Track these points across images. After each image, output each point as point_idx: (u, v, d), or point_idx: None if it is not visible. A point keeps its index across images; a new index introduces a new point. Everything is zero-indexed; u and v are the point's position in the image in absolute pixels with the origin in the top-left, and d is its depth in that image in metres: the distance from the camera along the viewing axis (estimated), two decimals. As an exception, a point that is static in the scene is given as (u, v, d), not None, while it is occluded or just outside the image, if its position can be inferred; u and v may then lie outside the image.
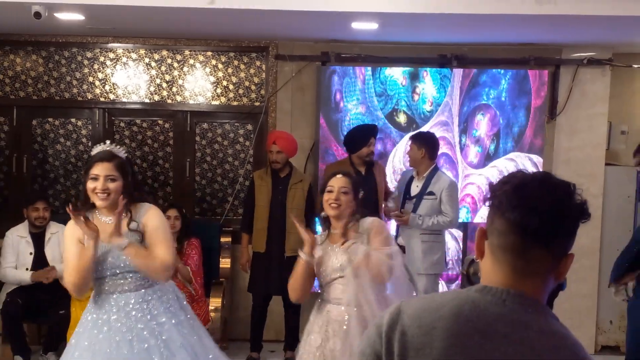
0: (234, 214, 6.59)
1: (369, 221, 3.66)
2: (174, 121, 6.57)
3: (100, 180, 3.27)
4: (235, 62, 6.50)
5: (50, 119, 6.54)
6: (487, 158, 6.27)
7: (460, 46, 6.22)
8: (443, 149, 6.22)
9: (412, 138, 5.52)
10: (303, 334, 3.71)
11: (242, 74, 6.51)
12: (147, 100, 6.52)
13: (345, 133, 6.02)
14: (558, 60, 6.30)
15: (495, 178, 6.22)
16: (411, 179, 5.53)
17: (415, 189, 5.46)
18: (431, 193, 5.36)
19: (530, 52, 6.23)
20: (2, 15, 5.29)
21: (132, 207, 3.35)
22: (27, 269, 5.59)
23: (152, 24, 5.69)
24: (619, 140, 6.52)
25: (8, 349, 5.50)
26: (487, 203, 1.57)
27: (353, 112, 6.16)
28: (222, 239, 6.29)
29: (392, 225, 5.81)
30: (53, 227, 5.70)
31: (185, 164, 6.56)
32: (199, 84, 6.52)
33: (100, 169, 3.29)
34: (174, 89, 6.51)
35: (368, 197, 5.67)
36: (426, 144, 5.45)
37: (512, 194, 1.51)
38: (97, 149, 3.42)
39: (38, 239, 5.69)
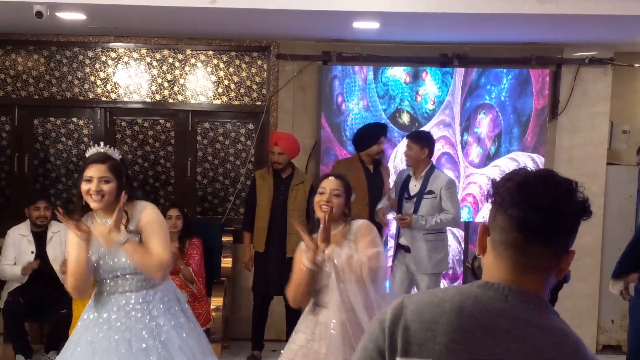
0: (236, 213, 6.60)
1: (357, 224, 3.65)
2: (175, 120, 6.57)
3: (94, 181, 3.28)
4: (237, 62, 6.51)
5: (51, 119, 6.55)
6: (488, 158, 6.27)
7: (462, 45, 6.22)
8: (444, 148, 6.23)
9: (412, 138, 5.49)
10: (293, 334, 3.68)
11: (244, 74, 6.52)
12: (148, 100, 6.52)
13: (348, 134, 6.05)
14: (560, 60, 6.30)
15: (496, 177, 6.22)
16: (407, 178, 5.52)
17: (413, 188, 5.45)
18: (430, 192, 5.36)
19: (532, 51, 6.23)
20: (4, 14, 5.30)
21: (128, 208, 3.35)
22: (25, 267, 5.61)
23: (154, 23, 5.69)
24: (621, 139, 6.53)
25: (10, 349, 5.51)
26: (490, 200, 1.58)
27: (355, 112, 6.16)
28: (224, 239, 6.29)
29: (393, 225, 5.81)
30: (54, 226, 5.71)
31: (186, 163, 6.57)
32: (200, 84, 6.52)
33: (94, 171, 3.29)
34: (176, 89, 6.52)
35: (376, 196, 5.69)
36: (428, 144, 5.45)
37: (514, 191, 1.52)
38: (92, 151, 3.43)
39: (39, 238, 5.70)
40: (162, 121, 6.57)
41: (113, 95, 6.51)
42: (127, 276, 3.34)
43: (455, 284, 6.28)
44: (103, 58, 6.48)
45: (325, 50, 6.23)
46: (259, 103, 6.49)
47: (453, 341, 1.48)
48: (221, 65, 6.51)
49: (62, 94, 6.51)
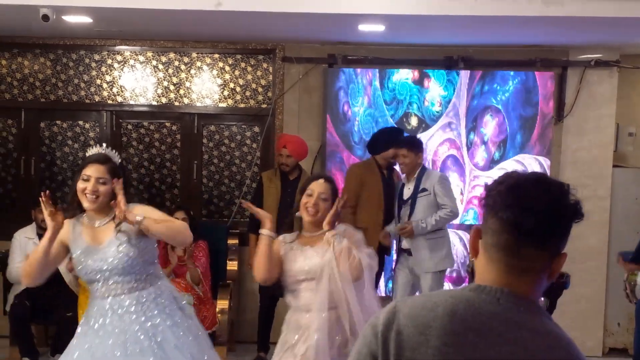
0: (241, 216, 6.60)
1: (342, 227, 3.62)
2: (181, 123, 6.58)
3: (91, 181, 3.28)
4: (242, 65, 6.51)
5: (58, 122, 6.56)
6: (493, 162, 6.26)
7: (467, 48, 6.21)
8: (450, 151, 6.22)
9: (407, 146, 5.47)
10: (278, 346, 3.63)
11: (249, 76, 6.52)
12: (154, 103, 6.53)
13: (356, 139, 6.07)
14: (565, 62, 6.28)
15: (489, 181, 6.20)
16: (402, 187, 5.54)
17: (407, 191, 5.47)
18: (424, 190, 5.37)
19: (537, 53, 6.22)
20: (11, 18, 5.32)
21: (117, 210, 3.32)
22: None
23: (160, 26, 5.71)
24: (627, 142, 6.50)
25: (16, 351, 5.52)
26: (482, 203, 1.58)
27: (361, 116, 6.17)
28: (229, 241, 6.29)
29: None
30: (60, 229, 5.71)
31: (192, 166, 6.57)
32: (206, 86, 6.53)
33: (92, 170, 3.30)
34: (181, 92, 6.52)
35: (391, 201, 5.68)
36: (422, 149, 5.52)
37: (505, 194, 1.52)
38: (93, 151, 3.44)
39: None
40: (168, 124, 6.58)
41: (119, 99, 6.52)
42: (117, 277, 3.32)
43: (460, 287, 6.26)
44: (109, 61, 6.49)
45: (330, 53, 6.23)
46: (264, 106, 6.50)
47: (446, 345, 1.48)
48: (227, 68, 6.51)
49: (68, 97, 6.53)
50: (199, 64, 6.50)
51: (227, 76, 6.52)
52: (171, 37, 6.29)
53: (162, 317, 3.37)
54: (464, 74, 6.19)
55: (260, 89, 6.53)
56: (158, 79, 6.51)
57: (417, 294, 5.43)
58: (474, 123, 6.22)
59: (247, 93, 6.53)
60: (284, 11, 4.80)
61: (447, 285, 6.02)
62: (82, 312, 5.27)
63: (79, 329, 3.43)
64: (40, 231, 5.69)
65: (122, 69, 6.50)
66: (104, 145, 3.50)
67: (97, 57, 6.49)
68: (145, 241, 3.35)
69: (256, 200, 5.90)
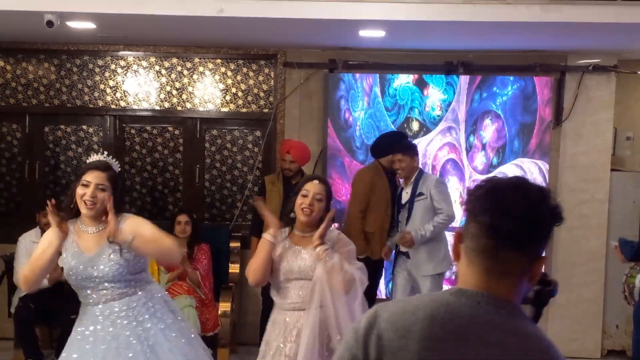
0: (243, 219, 6.60)
1: (335, 233, 3.61)
2: (183, 128, 6.58)
3: (90, 187, 3.29)
4: (244, 70, 6.52)
5: (62, 126, 6.57)
6: (491, 166, 6.26)
7: (466, 53, 6.21)
8: (449, 155, 6.22)
9: (402, 150, 5.47)
10: (262, 345, 3.63)
11: (251, 81, 6.53)
12: (157, 107, 6.54)
13: (357, 144, 6.10)
14: (563, 67, 6.28)
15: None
16: (400, 191, 5.55)
17: (405, 196, 5.48)
18: (420, 194, 5.38)
19: (536, 58, 6.22)
20: (16, 23, 5.33)
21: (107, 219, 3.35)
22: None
23: (163, 32, 5.71)
24: (625, 146, 6.51)
25: (20, 353, 5.52)
26: (464, 207, 1.58)
27: (362, 121, 6.18)
28: (231, 244, 6.29)
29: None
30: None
31: (194, 170, 6.58)
32: (208, 91, 6.53)
33: (92, 177, 3.30)
34: (184, 96, 6.53)
35: (394, 204, 5.67)
36: (416, 152, 5.53)
37: (484, 198, 1.53)
38: (94, 158, 3.44)
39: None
40: (170, 128, 6.59)
41: (122, 103, 6.53)
42: (107, 284, 3.31)
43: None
44: (112, 66, 6.50)
45: (331, 58, 6.24)
46: (266, 110, 6.50)
47: (425, 349, 1.48)
48: (229, 73, 6.52)
49: (72, 102, 6.54)
50: (201, 69, 6.51)
51: (229, 81, 6.52)
52: (174, 43, 6.30)
53: (153, 321, 3.37)
54: (464, 78, 6.20)
55: (261, 94, 6.54)
56: (161, 84, 6.52)
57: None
58: (473, 127, 6.22)
59: (249, 98, 6.54)
60: (285, 17, 4.80)
61: (447, 288, 6.01)
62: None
63: (70, 338, 3.41)
64: (45, 235, 5.70)
65: (125, 74, 6.51)
66: (105, 153, 3.51)
67: (100, 62, 6.50)
68: (130, 251, 3.34)
69: (259, 203, 5.92)
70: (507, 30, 5.23)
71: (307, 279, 3.49)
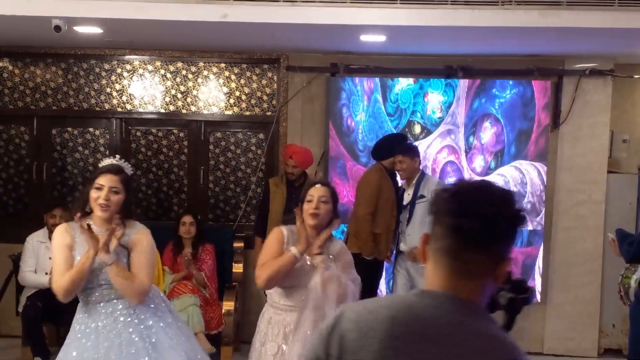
0: (247, 220, 6.62)
1: (338, 244, 3.63)
2: (188, 130, 6.60)
3: (104, 190, 3.29)
4: (248, 74, 6.53)
5: (69, 129, 6.59)
6: (489, 169, 6.26)
7: (466, 57, 6.22)
8: (449, 157, 6.23)
9: (402, 152, 5.50)
10: (254, 343, 3.63)
11: (254, 85, 6.54)
12: (162, 110, 6.56)
13: (360, 148, 6.14)
14: (561, 71, 6.29)
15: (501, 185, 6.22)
16: (402, 193, 5.56)
17: (407, 197, 5.51)
18: (422, 196, 5.40)
19: (534, 63, 6.23)
20: (24, 28, 5.35)
21: (126, 222, 3.37)
22: (46, 273, 5.62)
23: (168, 36, 5.73)
24: (621, 148, 6.51)
25: (28, 351, 5.54)
26: (430, 210, 1.59)
27: (364, 121, 6.19)
28: (235, 244, 6.30)
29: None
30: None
31: (199, 171, 6.59)
32: (212, 95, 6.55)
33: (105, 180, 3.31)
34: (189, 100, 6.55)
35: (399, 205, 5.69)
36: (417, 154, 5.56)
37: (448, 200, 1.54)
38: (106, 162, 3.46)
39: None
40: (175, 131, 6.60)
41: (128, 106, 6.55)
42: (110, 285, 3.31)
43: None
44: (119, 70, 6.52)
45: (333, 62, 6.25)
46: (269, 113, 6.52)
47: (386, 348, 1.48)
48: (233, 77, 6.53)
49: (79, 105, 6.55)
50: (205, 72, 6.53)
51: (233, 85, 6.54)
52: (179, 47, 6.32)
53: (154, 319, 3.38)
54: (463, 80, 6.21)
55: (265, 97, 6.55)
56: (166, 88, 6.53)
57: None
58: (473, 128, 6.23)
59: (252, 101, 6.56)
60: (288, 22, 4.82)
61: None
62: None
63: (70, 336, 3.41)
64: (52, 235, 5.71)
65: (131, 78, 6.53)
66: (117, 156, 3.52)
67: (107, 66, 6.52)
68: None
69: (263, 204, 5.96)
70: (506, 35, 5.24)
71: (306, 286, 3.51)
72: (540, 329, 6.46)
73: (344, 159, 6.23)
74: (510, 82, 6.22)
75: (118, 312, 3.33)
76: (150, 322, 3.37)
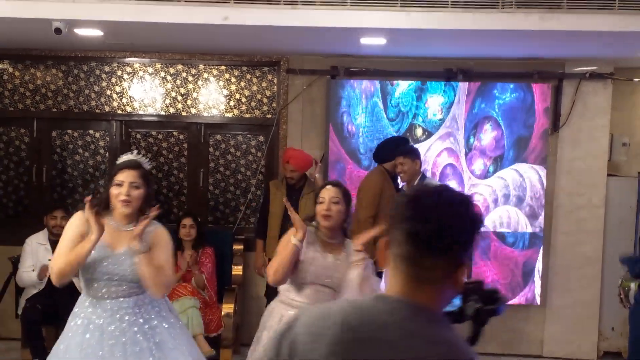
0: (246, 222, 6.60)
1: (351, 244, 3.66)
2: (188, 133, 6.58)
3: (124, 186, 3.29)
4: (248, 76, 6.52)
5: (69, 131, 6.57)
6: (488, 172, 6.24)
7: (466, 60, 6.21)
8: (448, 159, 6.22)
9: (403, 154, 5.48)
10: (260, 339, 3.66)
11: (255, 87, 6.53)
12: (162, 113, 6.54)
13: (362, 151, 6.13)
14: (561, 74, 6.28)
15: (500, 188, 6.20)
16: None
17: None
18: None
19: (534, 66, 6.22)
20: (24, 31, 5.33)
21: (142, 222, 3.34)
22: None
23: (168, 39, 5.71)
24: (621, 151, 6.49)
25: (28, 353, 5.52)
26: (390, 216, 1.58)
27: (364, 124, 6.18)
28: (235, 247, 6.28)
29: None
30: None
31: (199, 174, 6.57)
32: (212, 97, 6.53)
33: (125, 176, 3.31)
34: (189, 102, 6.53)
35: None
36: (418, 156, 5.53)
37: (406, 206, 1.53)
38: (124, 158, 3.45)
39: (56, 246, 5.68)
40: (175, 133, 6.59)
41: (128, 109, 6.53)
42: (122, 282, 3.31)
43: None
44: (119, 72, 6.50)
45: (333, 65, 6.24)
46: (269, 116, 6.50)
47: (333, 353, 1.46)
48: (233, 79, 6.52)
49: (79, 107, 6.53)
50: (205, 75, 6.51)
51: (233, 87, 6.52)
52: (179, 50, 6.30)
53: (158, 319, 3.38)
54: (463, 82, 6.19)
55: (265, 100, 6.53)
56: (166, 90, 6.52)
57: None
58: (473, 130, 6.21)
59: (252, 103, 6.54)
60: (288, 25, 4.80)
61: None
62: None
63: (67, 330, 3.39)
64: (52, 237, 5.69)
65: (131, 80, 6.51)
66: (135, 152, 3.52)
67: (107, 68, 6.50)
68: None
69: (264, 207, 5.95)
70: (506, 38, 5.23)
71: (324, 285, 3.54)
72: (540, 332, 6.44)
73: (344, 162, 6.21)
74: (512, 85, 6.20)
75: (124, 311, 3.31)
76: (155, 322, 3.36)
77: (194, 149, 6.58)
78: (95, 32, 5.24)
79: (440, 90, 6.19)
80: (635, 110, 6.73)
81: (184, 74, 6.50)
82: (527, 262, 6.28)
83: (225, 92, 6.53)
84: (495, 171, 6.24)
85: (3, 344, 6.18)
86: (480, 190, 6.24)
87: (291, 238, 3.52)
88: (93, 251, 3.27)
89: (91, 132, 6.57)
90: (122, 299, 3.32)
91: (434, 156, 6.23)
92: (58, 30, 4.70)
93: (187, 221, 5.85)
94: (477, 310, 1.82)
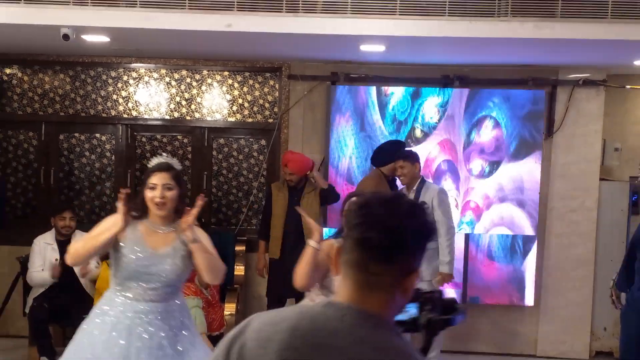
0: (248, 224, 6.62)
1: None
2: (192, 136, 6.60)
3: (158, 188, 3.29)
4: (250, 82, 6.54)
5: (76, 134, 6.59)
6: (484, 174, 6.25)
7: (462, 67, 6.24)
8: (445, 156, 6.22)
9: (402, 157, 5.49)
10: None
11: (257, 93, 6.55)
12: (167, 117, 6.56)
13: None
14: (555, 81, 6.30)
15: (495, 189, 6.22)
16: None
17: None
18: (423, 203, 5.32)
19: (529, 73, 6.24)
20: (34, 37, 5.36)
21: (176, 222, 3.35)
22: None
23: (173, 45, 5.74)
24: (613, 156, 6.52)
25: (34, 351, 5.53)
26: (342, 223, 1.58)
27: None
28: (237, 248, 6.30)
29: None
30: (78, 236, 5.72)
31: (202, 176, 6.59)
32: (216, 102, 6.56)
33: (158, 178, 3.31)
34: (193, 107, 6.55)
35: None
36: (417, 159, 5.52)
37: (355, 213, 1.51)
38: (155, 161, 3.43)
39: (64, 246, 5.70)
40: (179, 137, 6.61)
41: (134, 113, 6.55)
42: (159, 284, 3.29)
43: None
44: (125, 77, 6.53)
45: (333, 71, 6.26)
46: (271, 120, 6.52)
47: (282, 359, 1.44)
48: (236, 84, 6.54)
49: (86, 111, 6.56)
50: (209, 80, 6.54)
51: (236, 92, 6.55)
52: (184, 56, 6.33)
53: (183, 327, 3.38)
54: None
55: (267, 105, 6.56)
56: (171, 95, 6.54)
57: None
58: (470, 130, 6.21)
59: (255, 108, 6.56)
60: (290, 32, 4.83)
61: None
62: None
63: (88, 323, 3.36)
64: (60, 237, 5.71)
65: (137, 85, 6.53)
66: (164, 154, 3.53)
67: (113, 73, 6.53)
68: (191, 260, 3.36)
69: (266, 209, 5.96)
70: (502, 45, 5.25)
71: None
72: (534, 332, 6.45)
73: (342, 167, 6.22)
74: (511, 91, 6.22)
75: (153, 315, 3.28)
76: (180, 330, 3.35)
77: (197, 152, 6.60)
78: (102, 38, 5.27)
79: (435, 91, 6.20)
80: (627, 117, 6.76)
81: (188, 79, 6.53)
82: (521, 263, 6.29)
83: (228, 97, 6.55)
84: (490, 174, 6.24)
85: (11, 342, 6.19)
86: (477, 190, 6.25)
87: (308, 241, 3.51)
88: (137, 252, 3.26)
89: (97, 135, 6.59)
90: (154, 303, 3.29)
91: (432, 156, 6.23)
92: (66, 37, 4.73)
93: (191, 222, 5.86)
94: (429, 320, 1.79)
